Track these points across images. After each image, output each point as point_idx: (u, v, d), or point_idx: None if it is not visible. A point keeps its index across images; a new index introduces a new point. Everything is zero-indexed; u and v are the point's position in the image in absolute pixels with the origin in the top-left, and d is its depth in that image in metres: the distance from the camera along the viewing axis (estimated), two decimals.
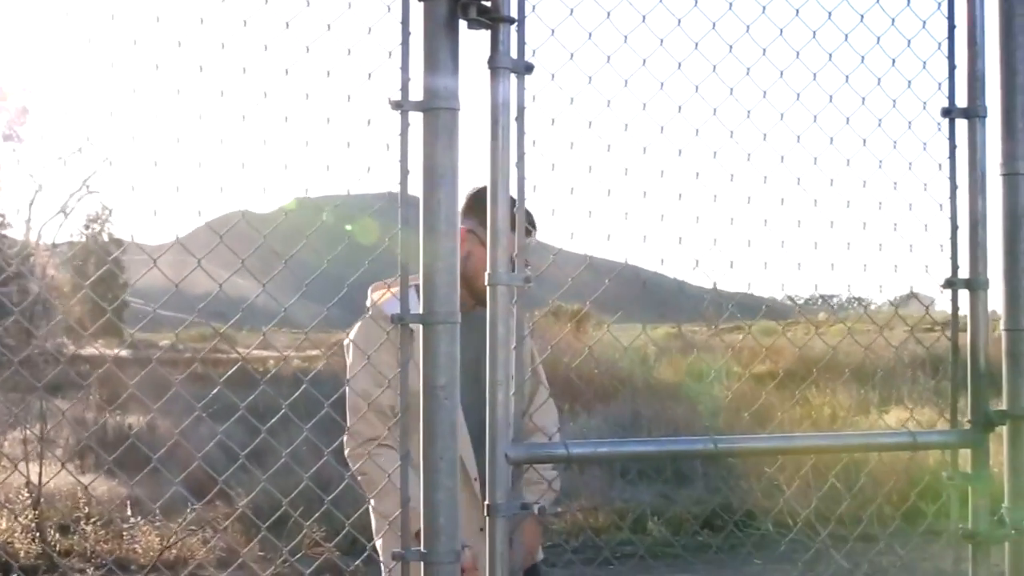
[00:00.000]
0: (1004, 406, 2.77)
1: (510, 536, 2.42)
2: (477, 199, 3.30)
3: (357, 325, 3.48)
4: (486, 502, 2.42)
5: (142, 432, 12.45)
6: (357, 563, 2.75)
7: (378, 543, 3.38)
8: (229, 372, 2.84)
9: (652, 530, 7.52)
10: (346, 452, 3.42)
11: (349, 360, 3.47)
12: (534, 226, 3.31)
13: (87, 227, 32.98)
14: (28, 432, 8.72)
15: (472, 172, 2.52)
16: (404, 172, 2.40)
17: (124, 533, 7.84)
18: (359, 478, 3.28)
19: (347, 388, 3.28)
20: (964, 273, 2.78)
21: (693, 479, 8.53)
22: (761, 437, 2.67)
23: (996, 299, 2.80)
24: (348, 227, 3.00)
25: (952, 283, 2.77)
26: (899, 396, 13.11)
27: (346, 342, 3.48)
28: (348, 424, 3.37)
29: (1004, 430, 2.78)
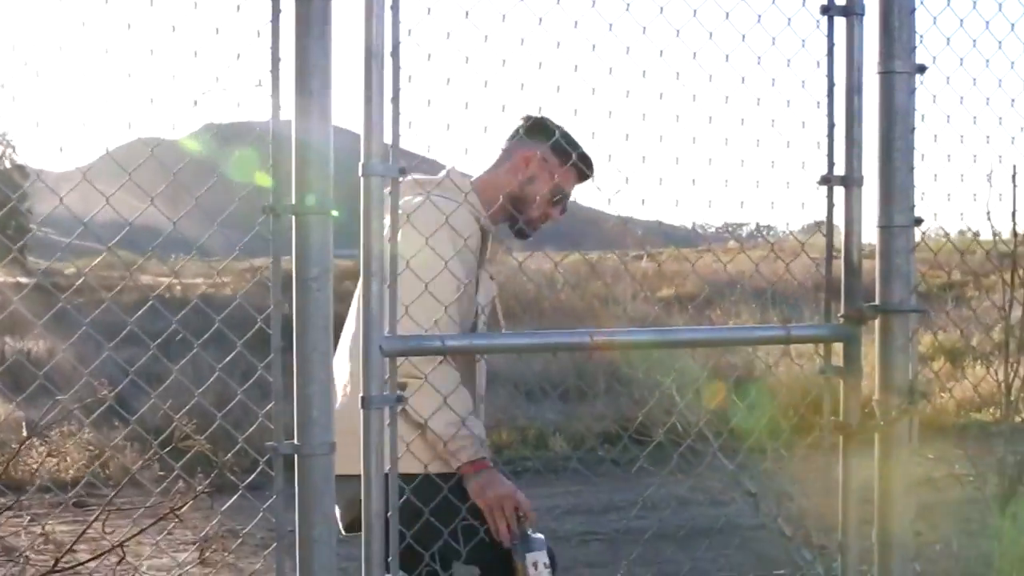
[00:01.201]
0: (876, 301, 2.84)
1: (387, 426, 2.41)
2: (545, 124, 3.29)
3: (433, 203, 2.99)
4: (360, 394, 2.41)
5: (42, 357, 12.22)
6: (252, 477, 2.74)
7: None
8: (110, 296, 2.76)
9: (553, 446, 7.62)
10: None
11: (418, 237, 2.85)
12: (591, 169, 3.31)
13: None
14: None
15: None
16: (276, 60, 2.35)
17: (18, 454, 7.69)
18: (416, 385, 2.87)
19: (416, 271, 2.73)
20: (840, 170, 2.81)
21: (595, 397, 8.66)
22: (637, 331, 2.70)
23: (871, 197, 2.84)
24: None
25: (828, 180, 2.80)
26: (800, 316, 13.40)
27: (411, 214, 2.88)
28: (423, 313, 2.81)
29: (876, 324, 2.85)
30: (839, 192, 2.81)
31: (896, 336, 2.84)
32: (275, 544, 2.40)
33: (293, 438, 2.38)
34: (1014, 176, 3.30)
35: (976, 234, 3.76)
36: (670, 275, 17.29)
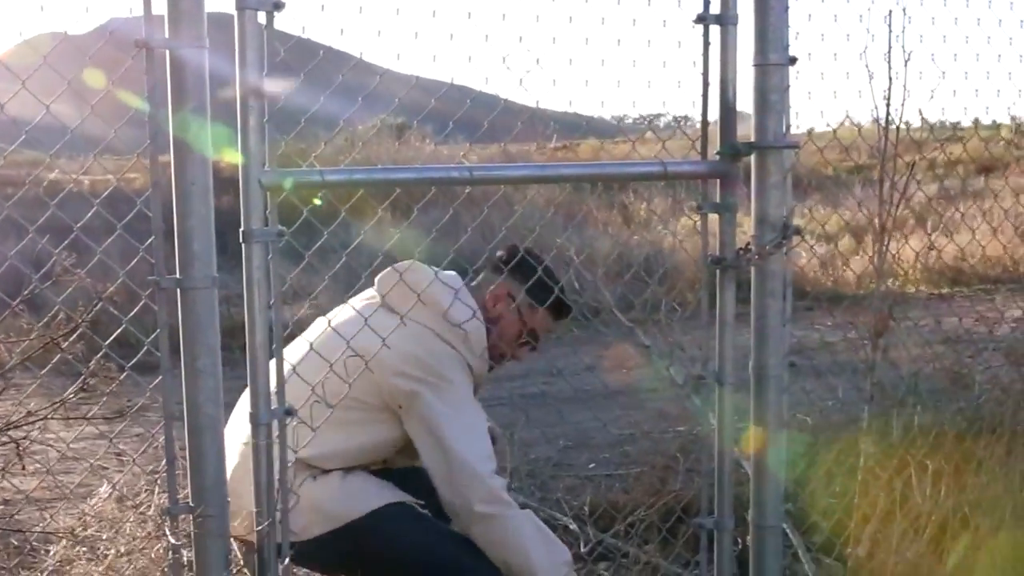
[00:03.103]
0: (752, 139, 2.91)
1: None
2: (524, 260, 3.14)
3: (447, 357, 3.00)
4: (241, 228, 2.42)
5: None
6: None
7: None
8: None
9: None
10: (483, 511, 2.90)
11: (445, 402, 2.95)
12: (566, 314, 3.24)
13: None
14: None
15: None
16: None
17: None
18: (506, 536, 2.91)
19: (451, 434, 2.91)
20: (716, 8, 2.84)
21: None
22: (516, 166, 2.74)
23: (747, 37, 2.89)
24: None
25: (703, 18, 2.84)
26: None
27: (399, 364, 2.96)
28: (480, 484, 2.89)
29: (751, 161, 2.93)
30: (715, 31, 2.85)
31: (771, 172, 2.91)
32: (160, 378, 2.44)
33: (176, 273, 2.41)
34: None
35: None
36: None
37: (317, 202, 2.71)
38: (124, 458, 3.81)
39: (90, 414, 2.57)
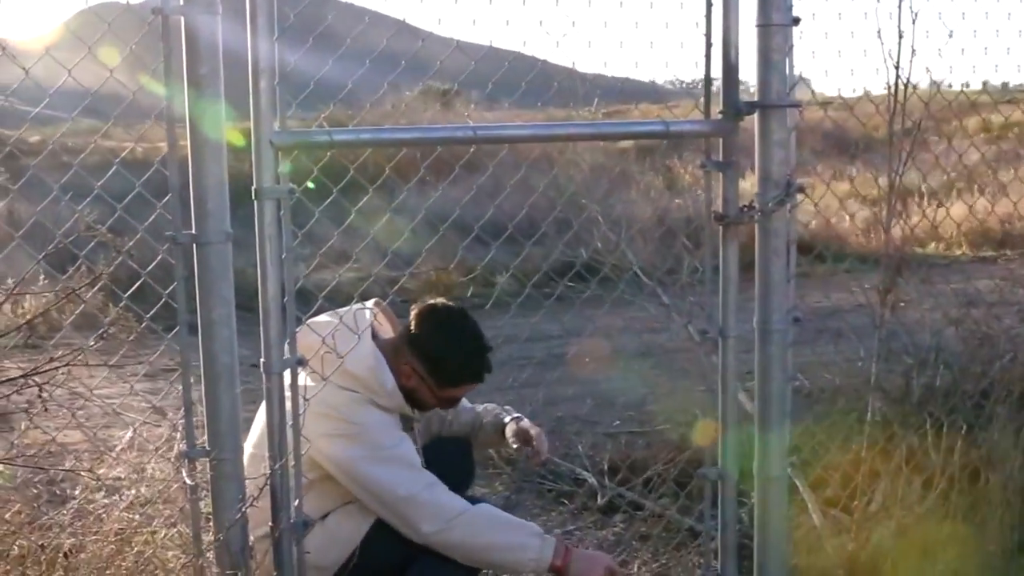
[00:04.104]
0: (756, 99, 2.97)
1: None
2: (428, 338, 3.09)
3: (346, 405, 2.99)
4: (253, 186, 2.53)
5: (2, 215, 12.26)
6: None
7: None
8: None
9: (500, 282, 7.85)
10: (430, 530, 2.96)
11: (357, 447, 2.98)
12: (480, 378, 3.16)
13: None
14: None
15: None
16: None
17: None
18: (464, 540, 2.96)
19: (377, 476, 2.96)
20: None
21: (544, 239, 8.81)
22: (518, 125, 2.83)
23: None
24: None
25: None
26: None
27: (335, 427, 2.97)
28: (417, 506, 2.96)
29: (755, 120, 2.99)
30: None
31: (773, 131, 2.97)
32: (176, 328, 2.57)
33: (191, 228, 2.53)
34: None
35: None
36: None
37: (310, 185, 2.78)
38: (147, 407, 3.99)
39: (111, 362, 2.70)
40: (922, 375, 4.01)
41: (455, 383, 3.14)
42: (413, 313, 3.12)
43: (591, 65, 3.12)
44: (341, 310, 3.13)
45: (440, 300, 3.19)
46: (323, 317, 3.10)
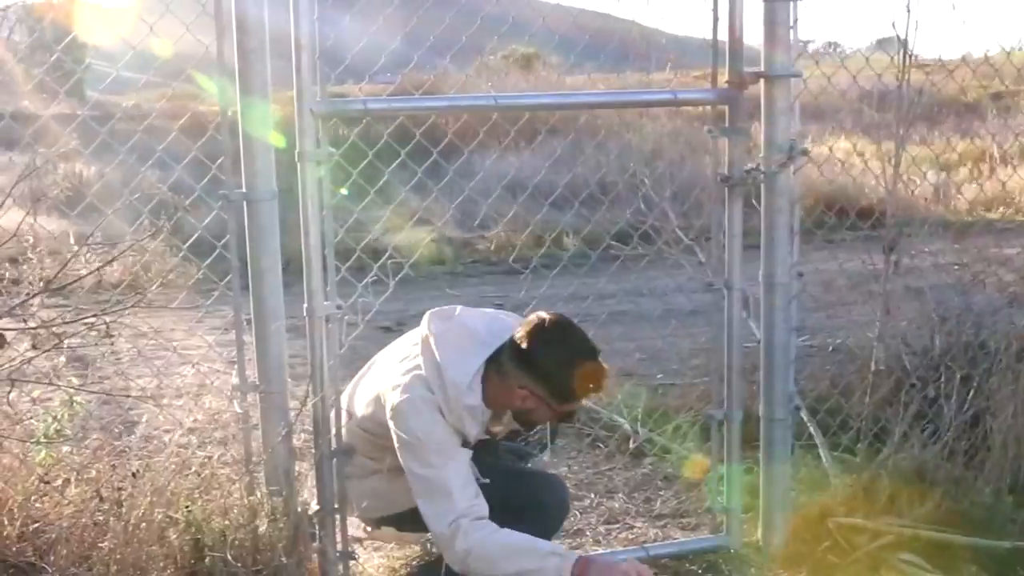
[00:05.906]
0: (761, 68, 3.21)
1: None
2: (542, 359, 2.94)
3: (415, 408, 2.94)
4: (296, 150, 2.86)
5: (91, 179, 12.84)
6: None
7: None
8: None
9: (567, 245, 8.12)
10: (451, 563, 2.95)
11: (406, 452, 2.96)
12: (599, 389, 3.06)
13: None
14: None
15: None
16: None
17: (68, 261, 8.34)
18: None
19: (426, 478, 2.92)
20: None
21: (612, 205, 9.05)
22: (537, 95, 3.10)
23: None
24: None
25: None
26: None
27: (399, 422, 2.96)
28: (435, 529, 2.93)
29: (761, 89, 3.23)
30: None
31: (777, 99, 3.21)
32: (228, 276, 2.92)
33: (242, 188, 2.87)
34: None
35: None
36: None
37: (344, 192, 3.06)
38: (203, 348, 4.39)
39: (172, 305, 3.06)
40: (940, 331, 4.22)
41: (579, 397, 3.05)
42: (523, 332, 2.97)
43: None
44: (502, 312, 3.22)
45: (546, 314, 3.03)
46: (483, 310, 3.20)
